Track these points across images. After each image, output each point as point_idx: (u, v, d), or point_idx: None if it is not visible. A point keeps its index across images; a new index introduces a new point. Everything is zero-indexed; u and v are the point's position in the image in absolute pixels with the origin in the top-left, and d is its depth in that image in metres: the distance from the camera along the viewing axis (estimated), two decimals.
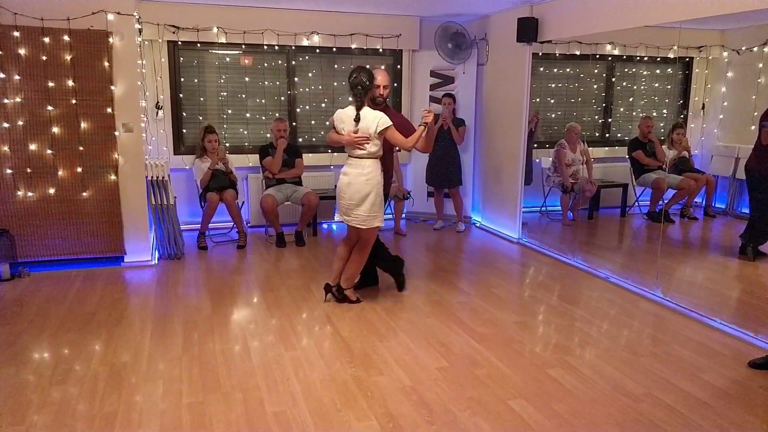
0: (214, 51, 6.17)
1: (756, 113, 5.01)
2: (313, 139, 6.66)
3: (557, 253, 5.47)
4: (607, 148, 6.27)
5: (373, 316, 3.94)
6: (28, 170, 4.70)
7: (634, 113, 6.20)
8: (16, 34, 4.49)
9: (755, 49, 5.11)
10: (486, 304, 4.19)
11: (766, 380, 3.06)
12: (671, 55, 5.66)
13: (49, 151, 4.72)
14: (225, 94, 6.29)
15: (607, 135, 6.27)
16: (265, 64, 6.38)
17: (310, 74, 6.52)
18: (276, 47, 6.24)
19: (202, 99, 6.21)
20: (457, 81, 6.62)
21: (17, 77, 4.55)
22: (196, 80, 6.16)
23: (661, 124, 5.90)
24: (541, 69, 6.13)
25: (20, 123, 4.62)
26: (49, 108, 4.66)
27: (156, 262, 5.19)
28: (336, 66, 6.58)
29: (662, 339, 3.58)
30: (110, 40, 4.71)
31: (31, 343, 3.47)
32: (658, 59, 5.81)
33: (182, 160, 6.09)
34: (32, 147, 4.68)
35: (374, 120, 3.79)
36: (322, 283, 4.37)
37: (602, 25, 4.72)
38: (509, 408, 2.77)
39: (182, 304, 4.13)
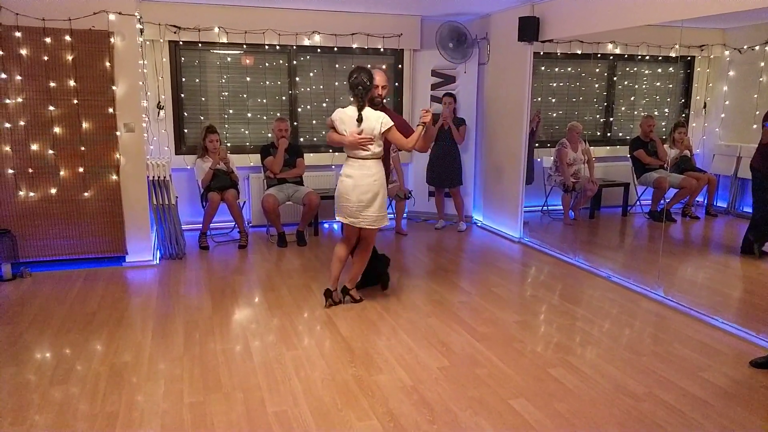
0: (215, 51, 6.17)
1: (758, 112, 5.01)
2: (315, 139, 6.67)
3: (558, 252, 5.46)
4: (608, 148, 6.27)
5: (374, 315, 3.94)
6: (30, 170, 4.71)
7: (635, 112, 6.19)
8: (18, 34, 4.50)
9: (757, 47, 5.10)
10: (487, 303, 4.19)
11: None
12: (673, 54, 5.66)
13: (50, 152, 4.73)
14: (226, 93, 6.30)
15: (608, 134, 6.26)
16: (267, 64, 6.38)
17: (311, 74, 6.52)
18: (277, 47, 6.24)
19: (203, 99, 6.22)
20: (458, 80, 6.61)
21: (19, 77, 4.56)
22: (197, 80, 6.17)
23: (663, 123, 5.89)
24: (543, 68, 6.13)
25: (22, 123, 4.62)
26: (51, 108, 4.67)
27: (157, 262, 5.19)
28: (337, 66, 6.58)
29: (664, 338, 3.58)
30: (111, 40, 4.72)
31: (33, 343, 3.47)
32: (660, 58, 5.81)
33: (183, 160, 6.10)
34: (34, 147, 4.69)
35: (377, 120, 3.77)
36: (323, 282, 4.37)
37: (603, 24, 4.71)
38: (510, 407, 2.77)
39: (183, 304, 4.14)
